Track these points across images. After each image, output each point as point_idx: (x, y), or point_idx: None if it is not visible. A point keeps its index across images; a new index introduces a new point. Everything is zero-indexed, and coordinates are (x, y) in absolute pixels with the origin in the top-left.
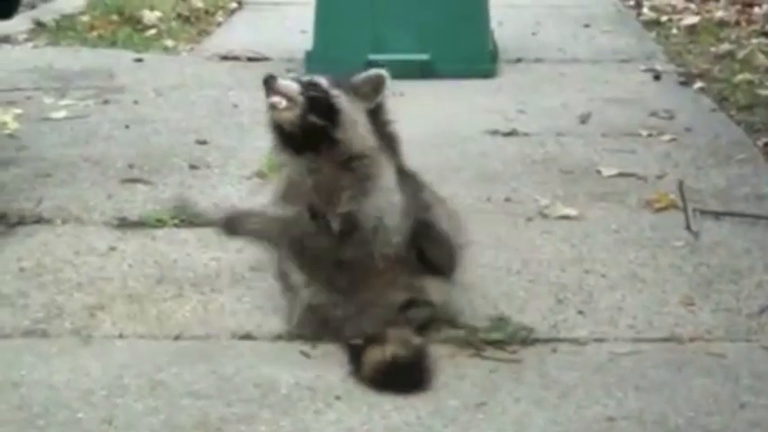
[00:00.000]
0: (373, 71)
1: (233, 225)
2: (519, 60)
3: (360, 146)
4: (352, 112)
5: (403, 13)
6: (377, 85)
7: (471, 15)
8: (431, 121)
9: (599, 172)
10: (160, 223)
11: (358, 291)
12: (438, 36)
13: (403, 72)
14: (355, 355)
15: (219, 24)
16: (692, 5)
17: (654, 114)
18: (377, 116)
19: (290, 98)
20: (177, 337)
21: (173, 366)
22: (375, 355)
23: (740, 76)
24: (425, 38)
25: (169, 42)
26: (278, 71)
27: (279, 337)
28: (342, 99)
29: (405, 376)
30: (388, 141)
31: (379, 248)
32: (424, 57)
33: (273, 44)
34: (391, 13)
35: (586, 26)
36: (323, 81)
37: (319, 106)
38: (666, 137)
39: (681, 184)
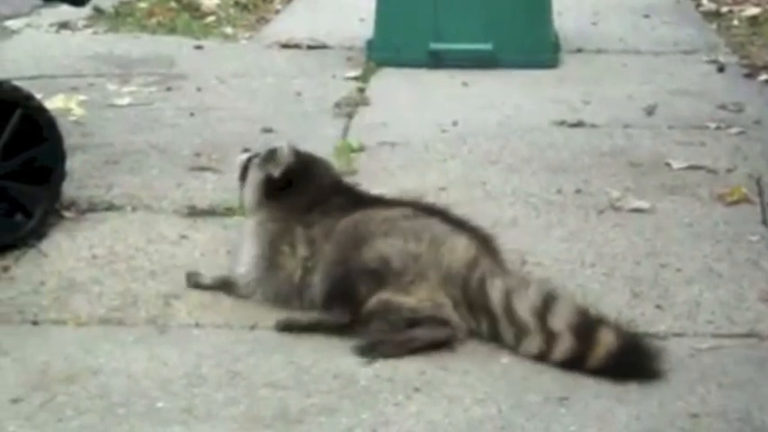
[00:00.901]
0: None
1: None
2: (580, 51)
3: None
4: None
5: (465, 1)
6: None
7: (533, 5)
8: (496, 111)
9: (668, 165)
10: (230, 212)
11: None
12: (500, 25)
13: (465, 61)
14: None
15: (278, 12)
16: None
17: (721, 107)
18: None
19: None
20: (253, 327)
21: (250, 356)
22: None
23: None
24: (488, 27)
25: (228, 30)
26: (338, 59)
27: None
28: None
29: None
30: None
31: None
32: (487, 46)
33: (333, 32)
34: (453, 2)
35: (646, 17)
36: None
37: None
38: (735, 130)
39: (759, 179)
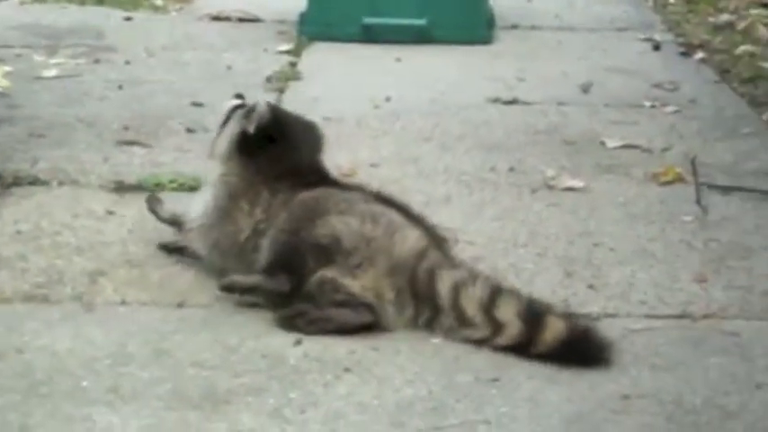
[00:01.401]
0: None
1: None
2: (515, 27)
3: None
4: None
5: None
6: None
7: None
8: (429, 87)
9: (603, 143)
10: (158, 187)
11: None
12: (435, 1)
13: (399, 37)
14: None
15: None
16: None
17: (657, 85)
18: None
19: None
20: (180, 305)
21: (177, 335)
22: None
23: (741, 48)
24: (422, 2)
25: (158, 1)
26: (270, 33)
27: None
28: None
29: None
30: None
31: None
32: (421, 22)
33: (265, 5)
34: None
35: None
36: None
37: None
38: (670, 109)
39: (693, 159)
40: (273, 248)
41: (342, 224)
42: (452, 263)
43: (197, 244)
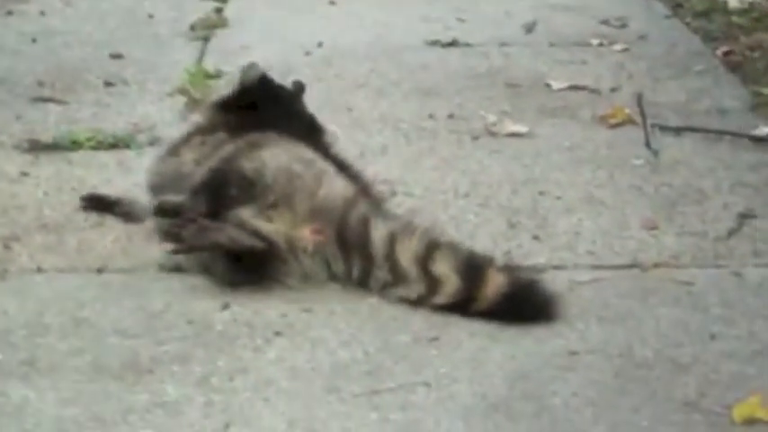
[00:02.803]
0: None
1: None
2: None
3: None
4: None
5: None
6: None
7: None
8: (364, 30)
9: (548, 85)
10: (76, 146)
11: None
12: None
13: None
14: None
15: None
16: None
17: (604, 22)
18: None
19: None
20: (100, 271)
21: (97, 302)
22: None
23: None
24: None
25: None
26: None
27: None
28: None
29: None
30: None
31: None
32: None
33: None
34: None
35: None
36: None
37: None
38: (619, 46)
39: (639, 98)
40: (204, 173)
41: (270, 158)
42: (387, 214)
43: (144, 179)
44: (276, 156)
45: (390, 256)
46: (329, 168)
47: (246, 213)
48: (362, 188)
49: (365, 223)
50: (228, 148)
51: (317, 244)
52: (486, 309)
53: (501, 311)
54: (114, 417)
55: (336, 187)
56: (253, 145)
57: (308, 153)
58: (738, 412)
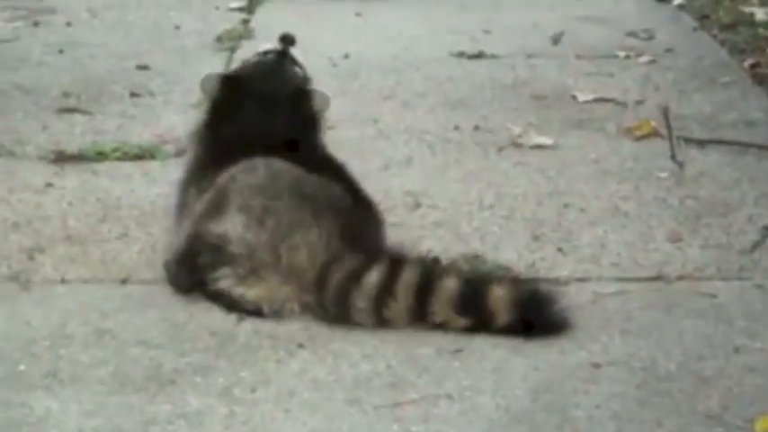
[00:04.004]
0: None
1: None
2: None
3: None
4: None
5: None
6: None
7: None
8: (391, 42)
9: (574, 97)
10: (101, 156)
11: None
12: None
13: None
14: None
15: None
16: None
17: (631, 34)
18: None
19: None
20: (124, 282)
21: (120, 313)
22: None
23: None
24: None
25: None
26: None
27: None
28: None
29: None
30: None
31: None
32: None
33: None
34: None
35: None
36: None
37: None
38: (645, 59)
39: (665, 111)
40: (182, 239)
41: (232, 227)
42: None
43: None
44: (237, 223)
45: (383, 303)
46: (304, 210)
47: (226, 282)
48: (347, 221)
49: (350, 278)
50: (199, 206)
51: (303, 305)
52: (503, 326)
53: (518, 326)
54: (136, 428)
55: (309, 241)
56: (216, 204)
57: (282, 193)
58: (760, 426)
